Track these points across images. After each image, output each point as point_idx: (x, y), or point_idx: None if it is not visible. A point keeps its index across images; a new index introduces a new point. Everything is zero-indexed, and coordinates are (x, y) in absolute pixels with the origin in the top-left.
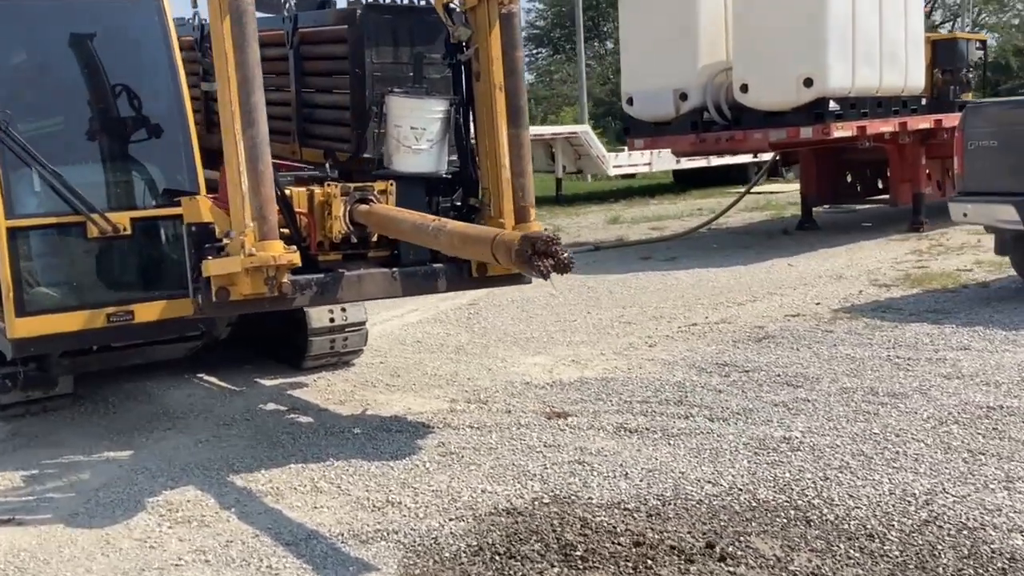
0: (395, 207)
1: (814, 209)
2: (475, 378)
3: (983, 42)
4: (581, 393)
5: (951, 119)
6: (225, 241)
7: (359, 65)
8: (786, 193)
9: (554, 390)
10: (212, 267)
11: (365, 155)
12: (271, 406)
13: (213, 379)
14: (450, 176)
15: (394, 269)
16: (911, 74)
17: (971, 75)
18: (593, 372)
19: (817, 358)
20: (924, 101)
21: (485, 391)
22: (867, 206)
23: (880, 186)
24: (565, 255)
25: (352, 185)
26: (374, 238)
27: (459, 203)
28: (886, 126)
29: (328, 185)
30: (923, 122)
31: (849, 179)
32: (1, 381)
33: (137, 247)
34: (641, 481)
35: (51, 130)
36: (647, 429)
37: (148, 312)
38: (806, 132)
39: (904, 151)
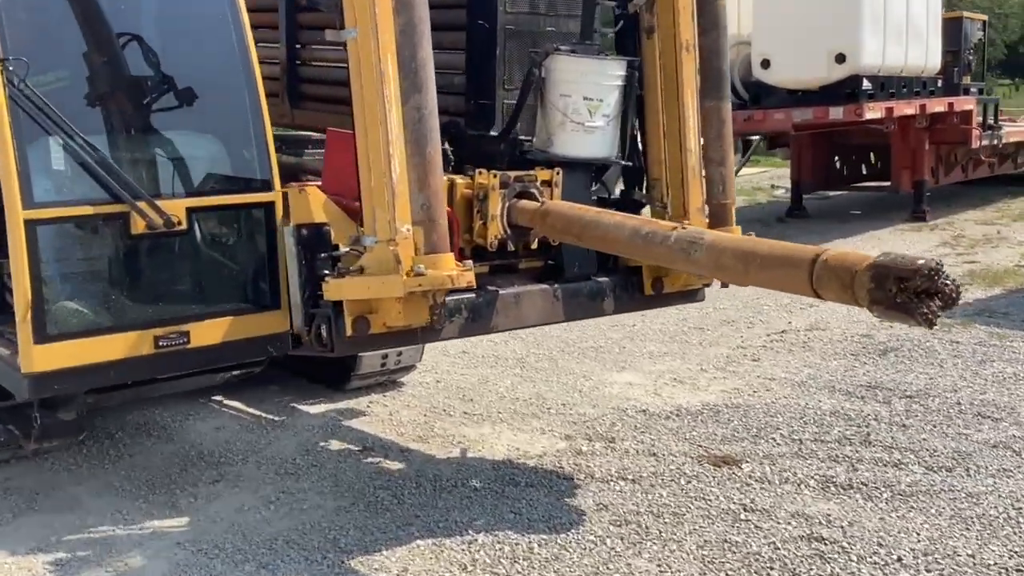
0: (582, 205)
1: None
2: (570, 404)
3: (984, 22)
4: (723, 427)
5: (961, 103)
6: (350, 250)
7: (486, 14)
8: (744, 176)
9: (685, 422)
10: (351, 289)
11: (491, 132)
12: (334, 444)
13: (238, 405)
14: (624, 163)
15: (555, 285)
16: (931, 53)
17: (972, 57)
18: (712, 396)
19: (977, 377)
20: (940, 83)
21: (598, 423)
22: (849, 192)
23: (864, 172)
24: (951, 284)
25: (512, 174)
26: (533, 245)
27: (615, 197)
28: (909, 108)
29: (480, 173)
30: (939, 105)
31: (838, 164)
32: (7, 432)
33: (194, 246)
34: (928, 571)
35: (81, 90)
36: (864, 484)
37: (207, 333)
38: (836, 112)
39: (908, 136)
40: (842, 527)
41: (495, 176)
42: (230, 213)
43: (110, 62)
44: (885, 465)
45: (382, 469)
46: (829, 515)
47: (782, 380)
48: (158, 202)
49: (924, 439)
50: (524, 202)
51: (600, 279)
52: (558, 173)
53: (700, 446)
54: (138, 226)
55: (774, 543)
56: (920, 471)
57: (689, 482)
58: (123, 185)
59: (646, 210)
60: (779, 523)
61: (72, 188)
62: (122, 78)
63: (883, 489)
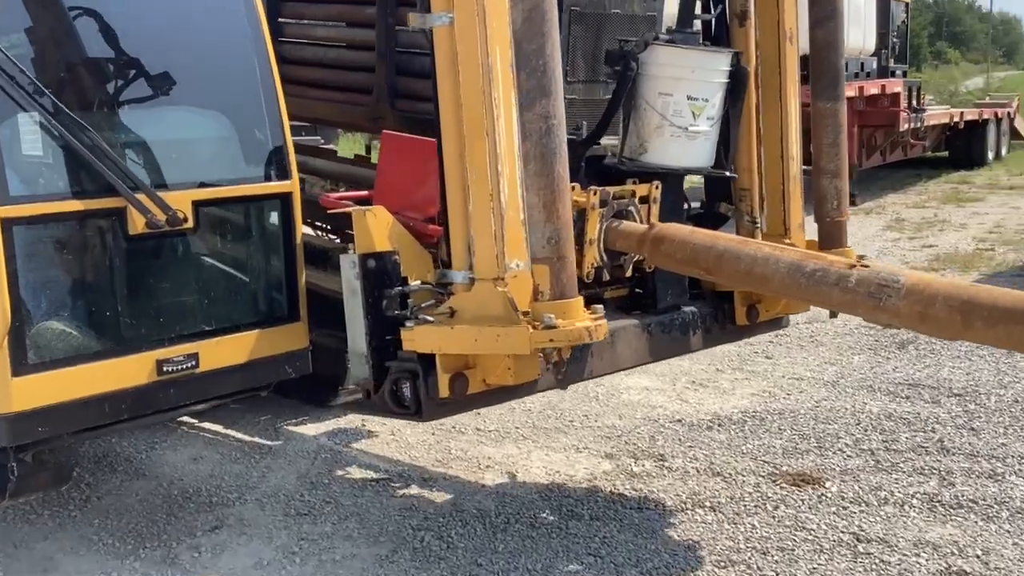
0: (707, 230)
1: None
2: (592, 414)
3: (907, 5)
4: (776, 437)
5: (892, 85)
6: (430, 287)
7: None
8: None
9: (733, 433)
10: (449, 341)
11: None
12: (342, 474)
13: (211, 427)
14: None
15: (647, 319)
16: (867, 34)
17: (897, 40)
18: (744, 401)
19: (1016, 370)
20: (875, 65)
21: (636, 437)
22: None
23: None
24: None
25: (612, 190)
26: (628, 272)
27: (699, 209)
28: (850, 90)
29: (574, 189)
30: (874, 87)
31: None
32: None
33: (202, 248)
34: None
35: (65, 63)
36: (973, 502)
37: (219, 354)
38: None
39: None
40: (978, 556)
41: (595, 193)
42: (242, 207)
43: (101, 32)
44: (980, 476)
45: (411, 504)
46: (955, 542)
47: (811, 380)
48: (160, 195)
49: (1004, 443)
50: (627, 225)
51: (689, 309)
52: (657, 188)
53: (765, 462)
54: (137, 225)
55: None
56: (1018, 481)
57: (777, 507)
58: (118, 174)
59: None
60: (906, 555)
61: (56, 179)
62: (114, 50)
63: (996, 506)
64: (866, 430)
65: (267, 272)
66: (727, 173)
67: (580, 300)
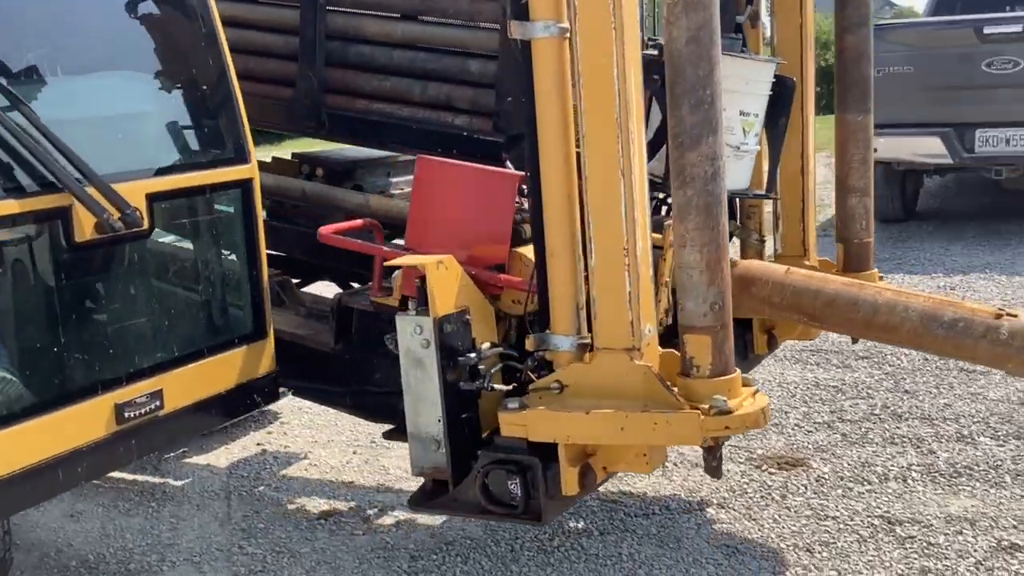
0: (806, 271)
1: None
2: None
3: None
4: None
5: None
6: (492, 350)
7: None
8: None
9: None
10: (581, 428)
11: None
12: (272, 512)
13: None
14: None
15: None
16: None
17: None
18: None
19: None
20: None
21: None
22: None
23: None
24: None
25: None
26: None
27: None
28: None
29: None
30: None
31: None
32: None
33: (157, 256)
34: None
35: None
36: (968, 469)
37: (184, 389)
38: None
39: None
40: (1014, 527)
41: (671, 228)
42: (200, 199)
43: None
44: (951, 441)
45: (384, 542)
46: (984, 513)
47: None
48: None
49: (947, 403)
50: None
51: None
52: None
53: (733, 447)
54: (85, 230)
55: (975, 561)
56: (990, 442)
57: (784, 497)
58: (59, 163)
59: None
60: (947, 534)
61: None
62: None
63: (992, 471)
64: (806, 401)
65: (232, 280)
66: (774, 195)
67: (738, 375)
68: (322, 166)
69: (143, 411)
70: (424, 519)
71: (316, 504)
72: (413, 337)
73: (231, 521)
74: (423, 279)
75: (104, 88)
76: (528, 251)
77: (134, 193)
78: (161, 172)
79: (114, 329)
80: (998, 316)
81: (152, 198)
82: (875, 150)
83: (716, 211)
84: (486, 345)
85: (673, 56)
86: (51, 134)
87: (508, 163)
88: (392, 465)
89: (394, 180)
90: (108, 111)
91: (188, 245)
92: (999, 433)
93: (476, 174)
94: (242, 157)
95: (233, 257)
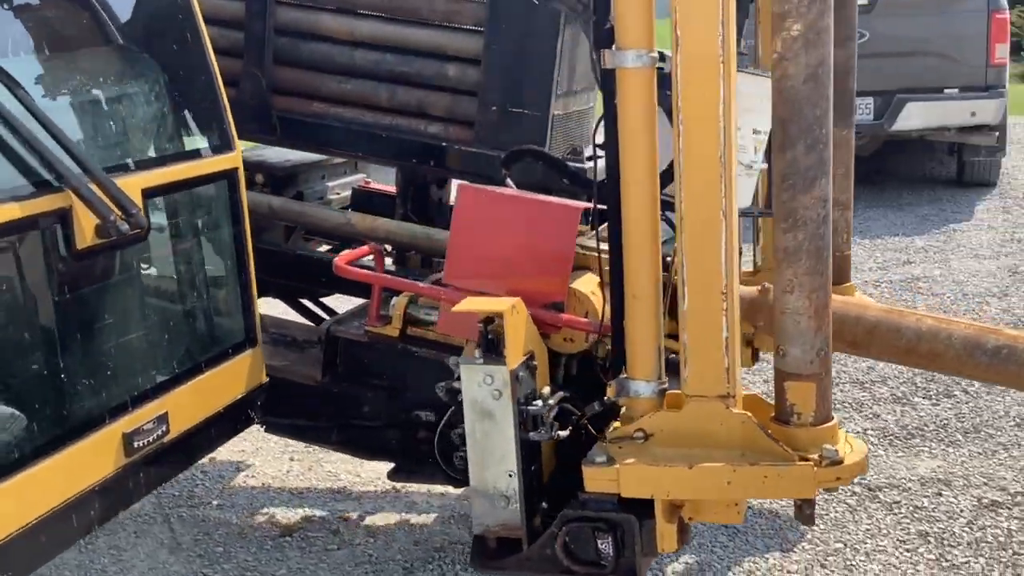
0: (846, 297)
1: None
2: None
3: None
4: None
5: None
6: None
7: None
8: None
9: None
10: (682, 483)
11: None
12: (224, 534)
13: None
14: None
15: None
16: None
17: None
18: None
19: None
20: None
21: None
22: None
23: None
24: None
25: None
26: None
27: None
28: None
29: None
30: None
31: None
32: None
33: (154, 260)
34: None
35: None
36: (919, 430)
37: (187, 410)
38: None
39: None
40: (986, 484)
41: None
42: (190, 193)
43: None
44: (888, 403)
45: (365, 555)
46: (952, 472)
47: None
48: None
49: (871, 366)
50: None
51: None
52: None
53: None
54: (86, 234)
55: (967, 521)
56: (926, 402)
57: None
58: (61, 158)
59: None
60: (928, 495)
61: None
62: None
63: (941, 431)
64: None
65: (223, 283)
66: (771, 212)
67: (836, 423)
68: (262, 172)
69: (151, 439)
70: (399, 525)
71: (272, 519)
72: (482, 387)
73: (181, 547)
74: (486, 321)
75: (86, 75)
76: (580, 285)
77: (130, 189)
78: (151, 165)
79: (118, 347)
80: (991, 330)
81: (147, 194)
82: None
83: (825, 255)
84: (546, 390)
85: (789, 94)
86: (55, 128)
87: (508, 180)
88: (340, 470)
89: (330, 184)
90: (92, 98)
91: (177, 246)
92: (930, 392)
93: (532, 205)
94: (227, 145)
95: (221, 256)
